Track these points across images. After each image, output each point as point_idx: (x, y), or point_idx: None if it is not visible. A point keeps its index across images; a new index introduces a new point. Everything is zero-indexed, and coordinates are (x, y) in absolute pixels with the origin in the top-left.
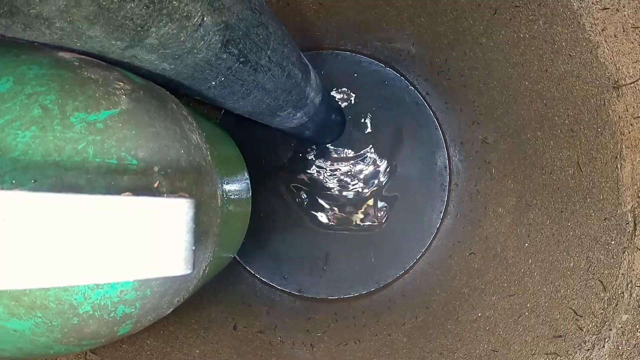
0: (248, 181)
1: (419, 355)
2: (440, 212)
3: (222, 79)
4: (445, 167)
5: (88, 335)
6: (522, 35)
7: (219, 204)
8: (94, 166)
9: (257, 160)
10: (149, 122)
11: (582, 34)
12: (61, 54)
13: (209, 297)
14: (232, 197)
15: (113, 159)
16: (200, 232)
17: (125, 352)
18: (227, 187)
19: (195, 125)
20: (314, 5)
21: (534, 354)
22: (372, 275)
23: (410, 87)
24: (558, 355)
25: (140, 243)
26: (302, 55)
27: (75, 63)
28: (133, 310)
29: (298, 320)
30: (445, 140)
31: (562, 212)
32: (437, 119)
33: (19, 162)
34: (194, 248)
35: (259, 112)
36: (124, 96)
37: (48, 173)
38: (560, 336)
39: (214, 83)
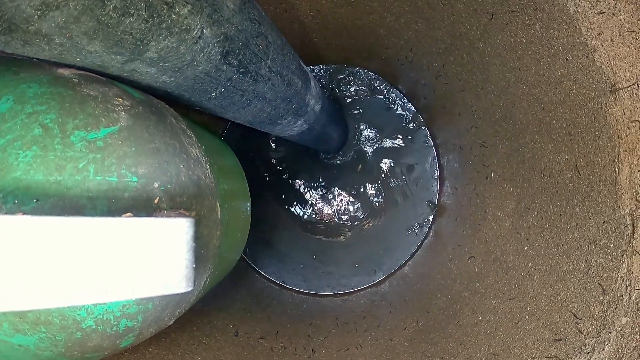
0: (247, 190)
1: None
2: (432, 212)
3: (222, 89)
4: (436, 169)
5: (91, 349)
6: (519, 40)
7: (219, 217)
8: (95, 184)
9: (259, 164)
10: (148, 138)
11: (578, 38)
12: (60, 70)
13: (210, 303)
14: (232, 207)
15: (113, 176)
16: (200, 245)
17: None
18: (226, 198)
19: (194, 138)
20: (311, 12)
21: (534, 358)
22: (370, 270)
23: (403, 96)
24: (558, 358)
25: (142, 263)
26: (302, 63)
27: (75, 80)
28: (135, 323)
29: (299, 325)
30: (435, 145)
31: (561, 215)
32: (428, 126)
33: (21, 182)
34: (194, 266)
35: (259, 121)
36: (123, 112)
37: (50, 192)
38: (560, 339)
39: (214, 94)
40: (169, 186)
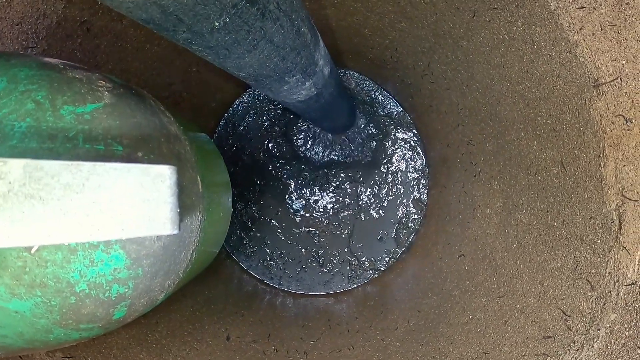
0: (228, 182)
1: None
2: (421, 210)
3: (227, 19)
4: (424, 168)
5: (85, 317)
6: (501, 37)
7: (200, 190)
8: (84, 151)
9: (251, 165)
10: (130, 114)
11: (560, 33)
12: (46, 59)
13: (201, 308)
14: (214, 189)
15: (101, 145)
16: (186, 206)
17: None
18: (207, 179)
19: (172, 119)
20: None
21: (524, 355)
22: (361, 269)
23: (389, 96)
24: (548, 356)
25: (130, 206)
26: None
27: (60, 66)
28: (127, 290)
29: (292, 328)
30: (423, 144)
31: (548, 212)
32: (415, 125)
33: (17, 149)
34: (178, 210)
35: (265, 75)
36: (106, 92)
37: (43, 158)
38: (549, 337)
39: (217, 24)
40: (151, 156)
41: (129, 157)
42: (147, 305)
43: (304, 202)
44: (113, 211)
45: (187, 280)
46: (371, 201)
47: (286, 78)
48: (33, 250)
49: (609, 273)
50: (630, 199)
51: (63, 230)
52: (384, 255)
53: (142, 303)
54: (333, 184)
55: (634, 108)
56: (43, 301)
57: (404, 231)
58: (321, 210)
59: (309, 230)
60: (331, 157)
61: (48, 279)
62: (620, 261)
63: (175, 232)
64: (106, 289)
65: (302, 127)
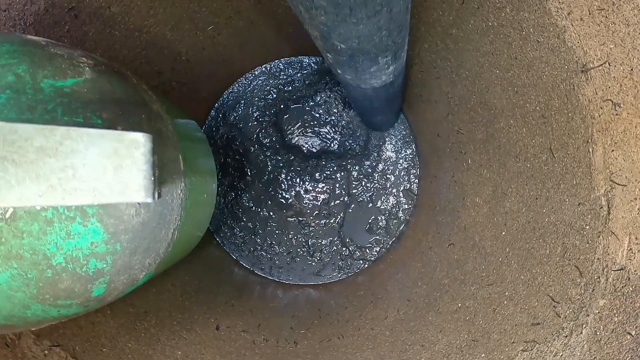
0: (213, 164)
1: (401, 348)
2: (411, 200)
3: None
4: (414, 158)
5: (63, 293)
6: (490, 24)
7: (182, 169)
8: (63, 123)
9: (241, 155)
10: (111, 90)
11: (548, 19)
12: (29, 36)
13: (191, 298)
14: (199, 172)
15: (80, 117)
16: (165, 181)
17: (106, 357)
18: (192, 162)
19: (154, 98)
20: (285, 3)
21: (513, 342)
22: (351, 259)
23: None
24: (537, 342)
25: (103, 172)
26: None
27: (43, 42)
28: (105, 265)
29: (282, 318)
30: (413, 134)
31: (536, 199)
32: (405, 115)
33: None
34: (152, 179)
35: (365, 51)
36: (87, 68)
37: None
38: (538, 323)
39: None
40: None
41: None
42: (127, 283)
43: (294, 191)
44: (86, 176)
45: (171, 263)
46: (361, 191)
47: (379, 58)
48: (8, 214)
49: (598, 259)
50: (618, 184)
51: (35, 192)
52: (375, 245)
53: (122, 281)
54: (324, 173)
55: (622, 92)
56: (19, 273)
57: (395, 221)
58: (312, 200)
59: (300, 220)
60: (322, 147)
61: (24, 250)
62: (609, 247)
63: (149, 200)
64: (83, 264)
65: (292, 118)
